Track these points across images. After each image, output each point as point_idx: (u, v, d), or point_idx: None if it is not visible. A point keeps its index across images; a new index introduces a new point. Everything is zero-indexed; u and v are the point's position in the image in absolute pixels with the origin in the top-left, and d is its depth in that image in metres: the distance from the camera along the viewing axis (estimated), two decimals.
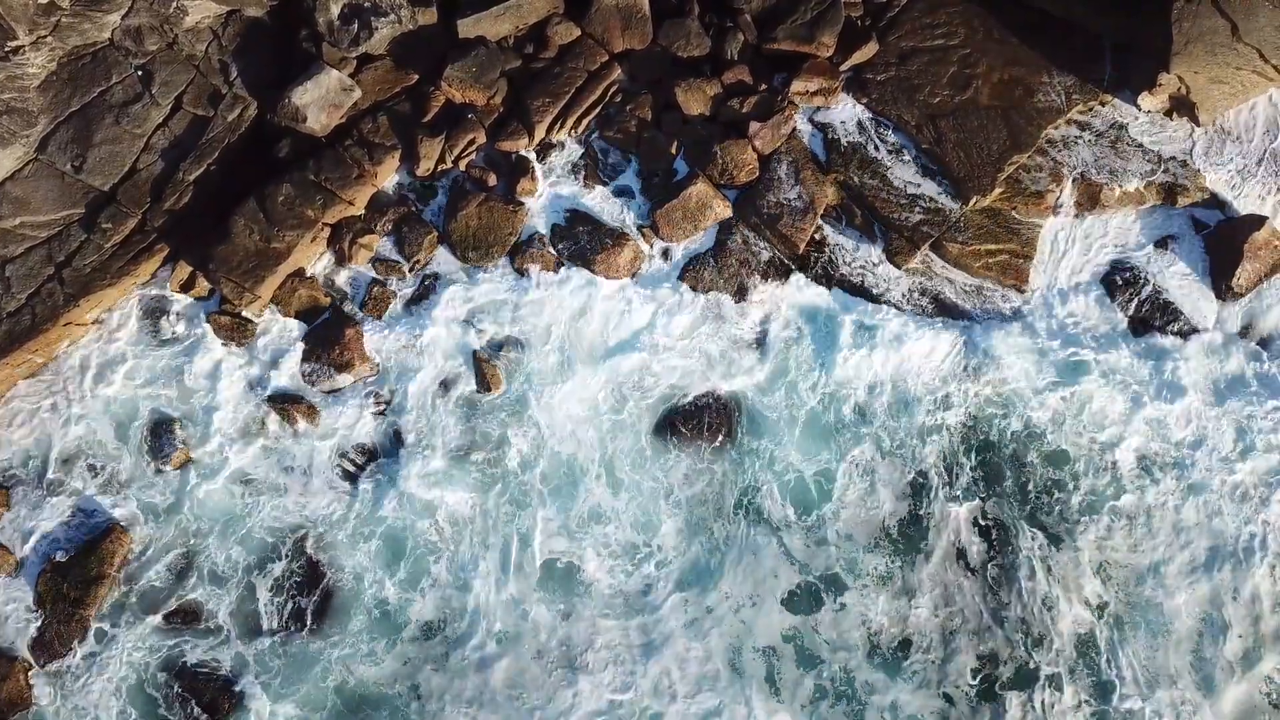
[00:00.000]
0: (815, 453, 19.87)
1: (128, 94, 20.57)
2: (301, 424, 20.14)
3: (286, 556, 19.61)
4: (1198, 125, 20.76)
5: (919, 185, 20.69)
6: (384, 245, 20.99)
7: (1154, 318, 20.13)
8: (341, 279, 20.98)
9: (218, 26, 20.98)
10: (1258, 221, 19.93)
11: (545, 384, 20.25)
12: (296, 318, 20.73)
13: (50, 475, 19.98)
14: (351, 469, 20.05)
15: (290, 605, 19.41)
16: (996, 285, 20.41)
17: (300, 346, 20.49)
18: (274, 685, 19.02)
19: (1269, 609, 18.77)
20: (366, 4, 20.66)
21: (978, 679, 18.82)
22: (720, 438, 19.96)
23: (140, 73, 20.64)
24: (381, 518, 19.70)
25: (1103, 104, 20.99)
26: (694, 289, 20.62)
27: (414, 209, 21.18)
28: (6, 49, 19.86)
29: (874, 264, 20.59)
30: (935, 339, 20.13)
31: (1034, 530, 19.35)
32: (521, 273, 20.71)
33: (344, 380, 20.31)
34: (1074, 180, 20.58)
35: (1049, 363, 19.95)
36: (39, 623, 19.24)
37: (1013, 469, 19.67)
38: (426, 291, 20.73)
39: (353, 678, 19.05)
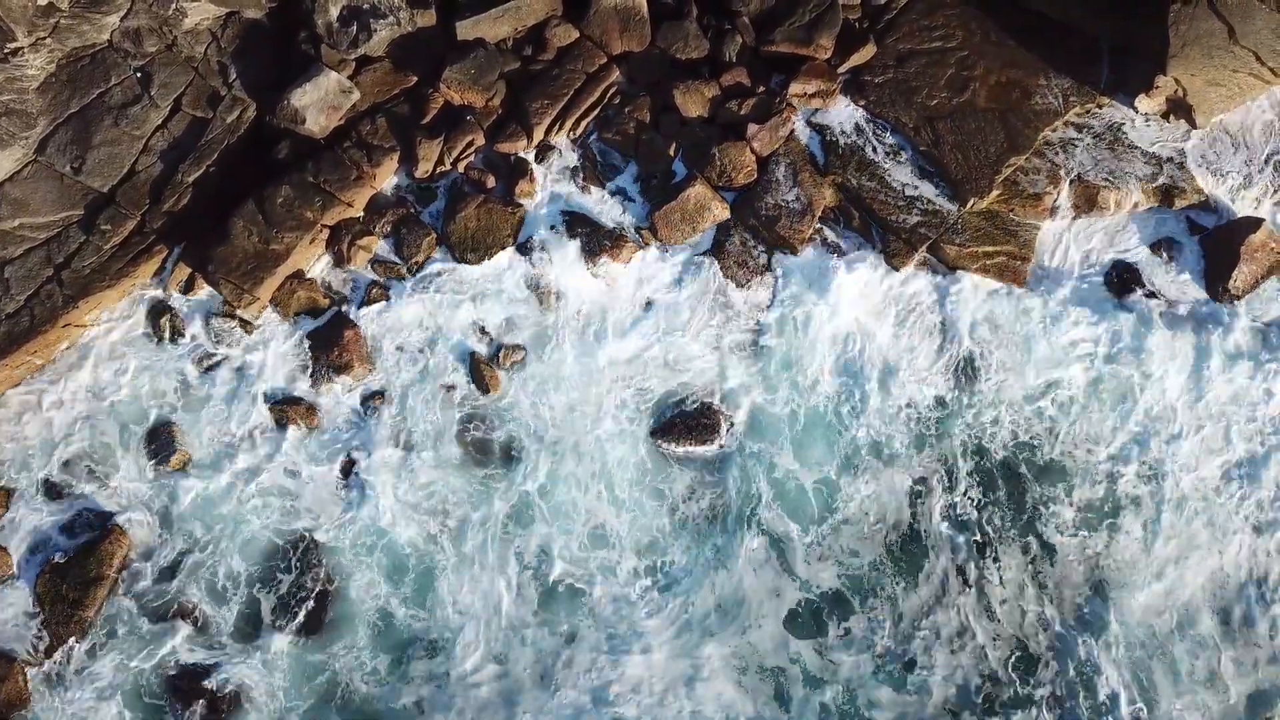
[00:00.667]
0: (819, 455, 19.88)
1: (127, 96, 20.58)
2: (300, 426, 20.15)
3: (286, 560, 19.58)
4: (1195, 127, 20.80)
5: (917, 187, 20.73)
6: (383, 247, 21.00)
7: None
8: (340, 281, 21.00)
9: (217, 28, 21.00)
10: (1254, 224, 19.98)
11: (544, 385, 20.27)
12: (295, 319, 20.76)
13: (50, 476, 19.96)
14: (351, 471, 20.06)
15: (289, 611, 19.34)
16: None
17: (299, 348, 20.51)
18: (274, 687, 19.02)
19: None
20: (365, 6, 20.68)
21: (980, 697, 18.80)
22: (721, 438, 19.97)
23: (139, 74, 20.65)
24: (381, 523, 19.69)
25: (1100, 106, 21.04)
26: (693, 289, 20.65)
27: (413, 211, 21.19)
28: (5, 51, 19.85)
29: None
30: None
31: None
32: (520, 273, 20.74)
33: (343, 381, 20.33)
34: (1071, 182, 20.63)
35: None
36: (38, 623, 19.26)
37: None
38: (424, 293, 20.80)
39: (353, 692, 18.96)
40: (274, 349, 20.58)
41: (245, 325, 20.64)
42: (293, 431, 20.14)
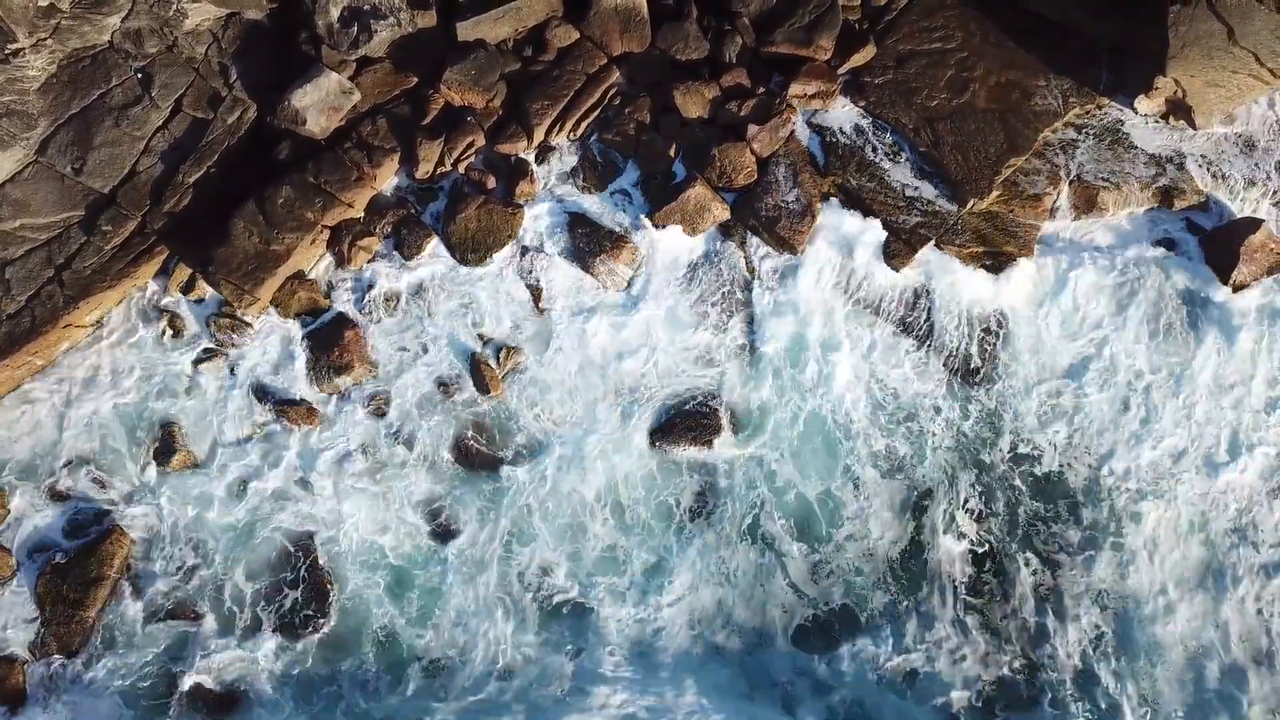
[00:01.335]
0: (819, 458, 19.90)
1: (127, 96, 20.60)
2: (301, 426, 20.17)
3: (286, 561, 19.60)
4: (1194, 128, 20.83)
5: (917, 188, 20.75)
6: (383, 247, 21.03)
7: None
8: (341, 281, 21.00)
9: (217, 29, 21.02)
10: (1254, 224, 20.01)
11: (544, 386, 20.29)
12: (296, 320, 20.77)
13: (50, 477, 19.99)
14: (350, 473, 20.06)
15: (289, 612, 19.34)
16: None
17: (300, 349, 20.53)
18: (274, 687, 19.03)
19: None
20: (366, 7, 20.71)
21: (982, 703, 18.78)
22: (721, 439, 19.99)
23: (140, 75, 20.67)
24: (381, 523, 19.70)
25: (1099, 107, 21.06)
26: (694, 290, 20.67)
27: (413, 211, 21.21)
28: (6, 51, 19.88)
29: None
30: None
31: None
32: (521, 274, 20.76)
33: (343, 382, 20.34)
34: (1071, 183, 20.65)
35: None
36: (38, 624, 19.26)
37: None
38: (426, 294, 20.80)
39: (352, 694, 18.98)
40: (274, 349, 20.59)
41: (245, 326, 20.66)
42: (293, 432, 20.16)
